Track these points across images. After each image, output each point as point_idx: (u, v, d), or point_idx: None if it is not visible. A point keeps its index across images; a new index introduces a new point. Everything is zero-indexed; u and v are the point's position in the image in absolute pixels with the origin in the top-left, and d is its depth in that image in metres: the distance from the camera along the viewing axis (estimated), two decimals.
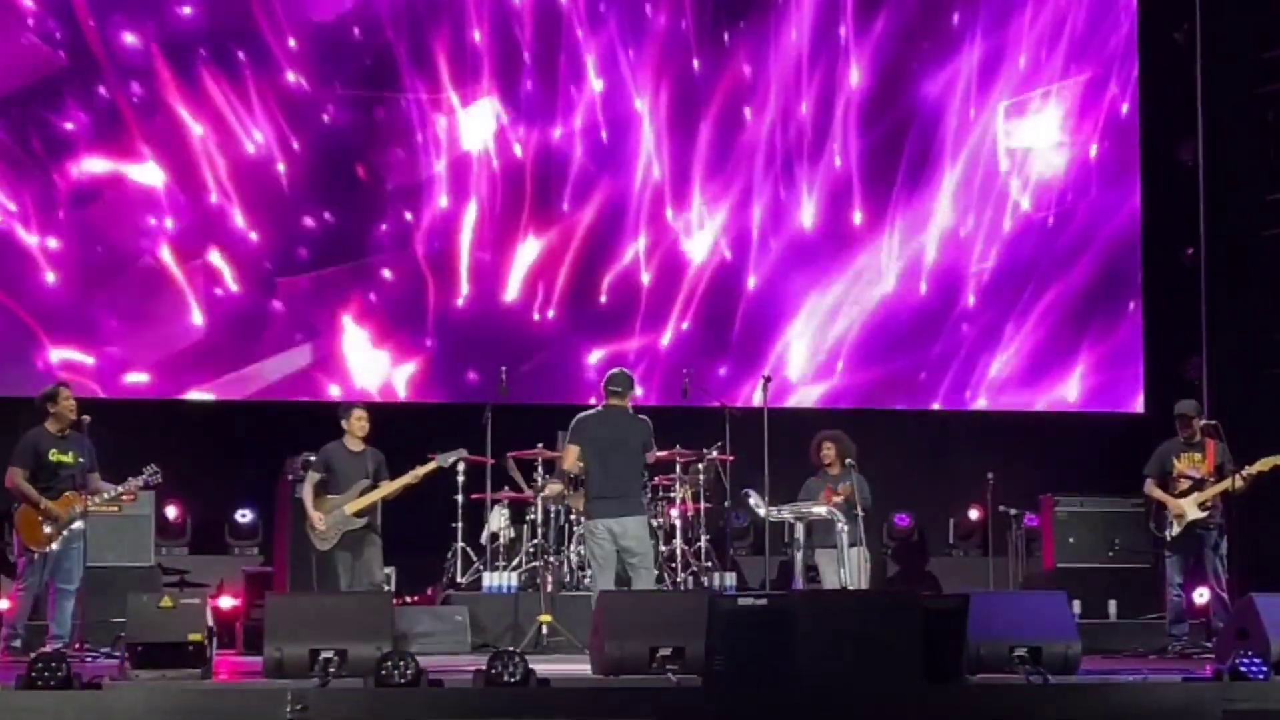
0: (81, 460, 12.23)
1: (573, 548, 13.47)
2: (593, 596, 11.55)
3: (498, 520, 13.85)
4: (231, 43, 15.39)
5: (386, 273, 15.68)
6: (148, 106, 15.23)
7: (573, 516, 13.59)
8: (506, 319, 15.81)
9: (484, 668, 8.93)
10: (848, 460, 12.90)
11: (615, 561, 11.88)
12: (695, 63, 16.18)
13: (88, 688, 8.66)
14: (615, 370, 12.42)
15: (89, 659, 11.15)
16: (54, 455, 12.17)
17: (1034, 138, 16.64)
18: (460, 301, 15.77)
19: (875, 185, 16.40)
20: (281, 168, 15.45)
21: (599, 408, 12.26)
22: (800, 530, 12.34)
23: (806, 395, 16.14)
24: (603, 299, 15.99)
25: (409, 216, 15.73)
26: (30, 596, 12.12)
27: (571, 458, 12.14)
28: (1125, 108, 16.74)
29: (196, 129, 15.28)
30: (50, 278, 15.04)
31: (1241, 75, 15.92)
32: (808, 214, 16.27)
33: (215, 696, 8.99)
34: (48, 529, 12.00)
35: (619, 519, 11.91)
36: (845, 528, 12.14)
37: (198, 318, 15.28)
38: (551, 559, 13.42)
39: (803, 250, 16.27)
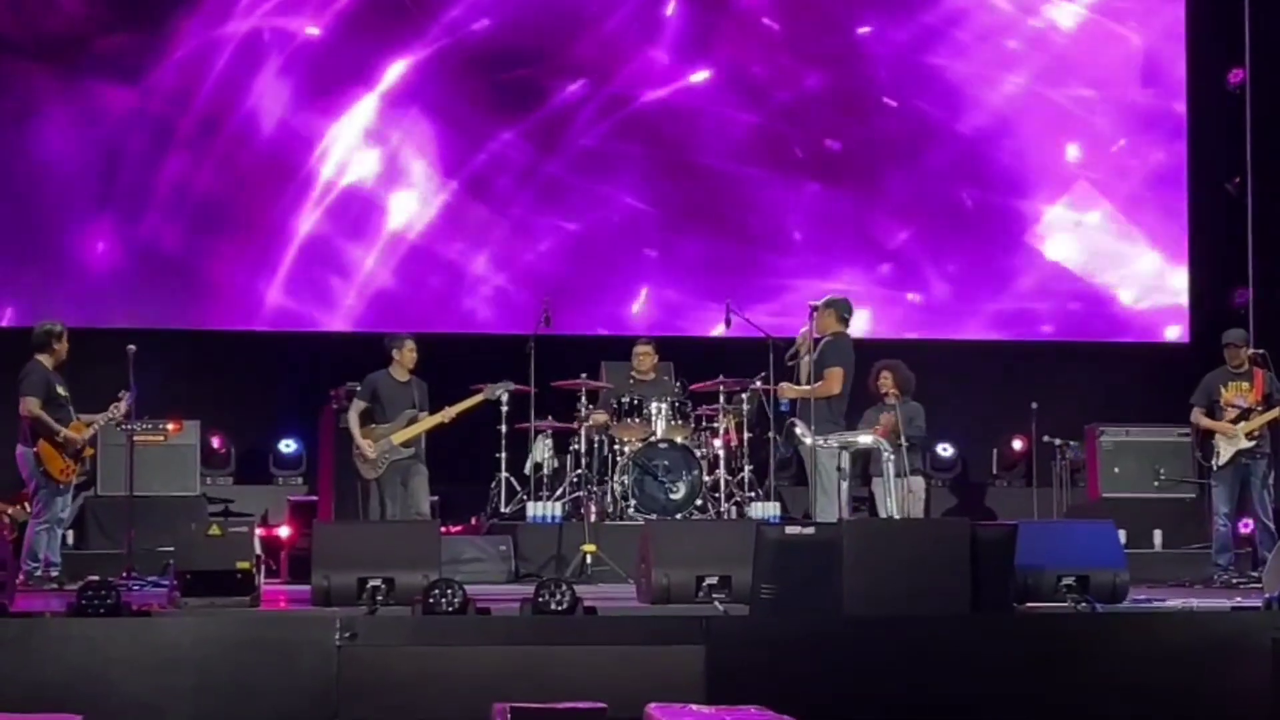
0: (68, 396, 12.18)
1: (616, 478, 13.45)
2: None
3: (541, 450, 13.82)
4: None
5: None
6: None
7: (616, 446, 13.57)
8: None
9: (531, 596, 8.95)
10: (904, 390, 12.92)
11: None
12: None
13: (137, 615, 8.73)
14: (846, 299, 12.89)
15: (136, 587, 11.19)
16: (59, 389, 12.08)
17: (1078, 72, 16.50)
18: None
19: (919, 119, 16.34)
20: None
21: (836, 332, 12.59)
22: (846, 460, 12.29)
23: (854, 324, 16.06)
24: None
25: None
26: (58, 528, 12.11)
27: (841, 380, 12.39)
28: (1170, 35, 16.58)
29: None
30: None
31: None
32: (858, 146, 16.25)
33: (264, 624, 9.05)
34: (69, 460, 11.95)
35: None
36: (891, 457, 12.08)
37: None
38: (595, 489, 13.42)
39: (850, 179, 16.23)
